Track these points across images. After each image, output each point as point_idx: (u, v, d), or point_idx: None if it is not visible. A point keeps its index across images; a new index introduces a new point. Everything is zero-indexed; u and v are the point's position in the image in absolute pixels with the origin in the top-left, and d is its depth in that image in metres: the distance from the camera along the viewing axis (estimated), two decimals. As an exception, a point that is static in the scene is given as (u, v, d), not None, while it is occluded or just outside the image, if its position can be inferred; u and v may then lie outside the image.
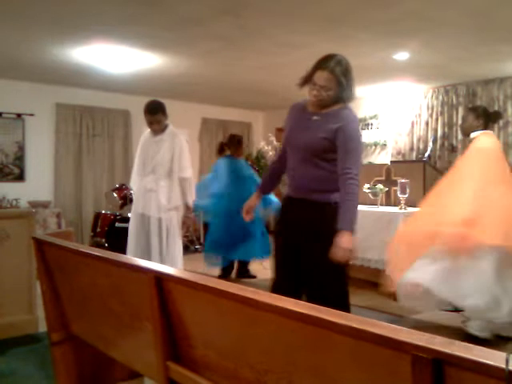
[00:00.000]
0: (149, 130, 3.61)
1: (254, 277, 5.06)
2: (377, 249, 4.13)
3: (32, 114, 6.44)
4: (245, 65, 5.45)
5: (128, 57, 5.10)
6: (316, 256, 2.29)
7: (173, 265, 3.49)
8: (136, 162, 3.70)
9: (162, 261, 3.39)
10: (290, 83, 7.02)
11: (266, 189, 2.67)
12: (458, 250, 2.85)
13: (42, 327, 2.88)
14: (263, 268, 5.42)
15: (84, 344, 1.98)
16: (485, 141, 3.18)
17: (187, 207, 3.56)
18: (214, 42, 4.57)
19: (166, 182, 3.46)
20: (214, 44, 4.64)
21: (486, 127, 3.27)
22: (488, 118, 3.30)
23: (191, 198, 3.59)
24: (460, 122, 6.38)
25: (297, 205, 2.39)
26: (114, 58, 5.14)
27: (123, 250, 3.50)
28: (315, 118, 2.32)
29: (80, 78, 6.05)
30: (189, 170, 3.56)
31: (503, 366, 0.65)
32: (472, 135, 3.27)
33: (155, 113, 3.43)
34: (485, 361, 0.68)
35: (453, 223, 2.87)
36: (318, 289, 2.35)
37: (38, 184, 6.49)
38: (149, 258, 3.36)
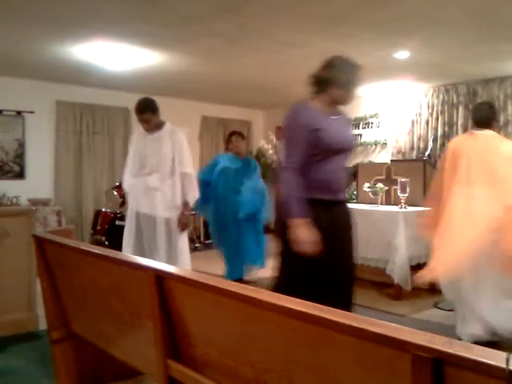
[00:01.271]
0: (140, 128, 3.55)
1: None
2: (377, 248, 4.13)
3: (32, 112, 6.44)
4: (244, 63, 5.45)
5: (128, 54, 5.09)
6: (352, 251, 2.46)
7: (183, 263, 3.45)
8: (130, 161, 3.57)
9: (170, 262, 3.33)
10: (291, 82, 7.04)
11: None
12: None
13: (43, 325, 2.87)
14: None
15: (84, 342, 1.98)
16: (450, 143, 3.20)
17: (185, 204, 3.42)
18: (214, 39, 4.56)
19: (171, 180, 3.40)
20: (213, 42, 4.64)
21: (481, 127, 3.13)
22: (478, 120, 3.16)
23: (192, 195, 3.47)
24: (460, 121, 6.40)
25: (340, 208, 2.43)
26: (113, 56, 5.13)
27: (123, 248, 3.48)
28: (334, 117, 2.40)
29: (80, 75, 6.04)
30: (190, 165, 3.46)
31: (503, 365, 0.65)
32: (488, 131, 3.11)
33: (143, 112, 3.37)
34: (485, 360, 0.68)
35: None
36: (352, 283, 2.48)
37: (38, 182, 6.48)
38: (154, 259, 3.30)
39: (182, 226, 3.43)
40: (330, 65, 2.35)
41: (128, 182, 3.56)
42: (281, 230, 2.34)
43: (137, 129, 3.64)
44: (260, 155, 8.04)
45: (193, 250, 6.70)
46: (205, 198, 4.43)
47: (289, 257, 2.29)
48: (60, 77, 6.20)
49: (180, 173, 3.39)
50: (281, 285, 2.39)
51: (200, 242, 7.06)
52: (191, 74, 5.99)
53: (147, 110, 3.38)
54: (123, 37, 4.48)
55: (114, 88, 6.87)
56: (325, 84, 2.35)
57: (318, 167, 2.30)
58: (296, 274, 2.30)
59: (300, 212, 2.23)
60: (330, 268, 2.33)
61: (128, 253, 3.42)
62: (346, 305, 2.37)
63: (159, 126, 3.45)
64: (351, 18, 3.95)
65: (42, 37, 4.49)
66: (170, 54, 5.14)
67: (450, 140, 3.31)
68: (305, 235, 2.18)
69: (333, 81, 2.32)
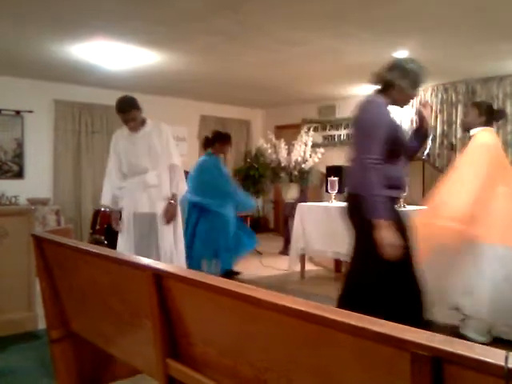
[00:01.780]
0: (119, 129, 3.50)
1: (238, 273, 4.96)
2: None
3: (31, 111, 6.43)
4: (244, 61, 5.44)
5: (127, 53, 5.09)
6: None
7: (180, 260, 3.45)
8: (113, 164, 3.48)
9: (173, 257, 3.34)
10: (291, 80, 7.00)
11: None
12: (452, 243, 2.88)
13: (42, 324, 2.88)
14: (262, 265, 5.43)
15: (83, 341, 1.98)
16: (485, 136, 3.12)
17: (173, 195, 3.40)
18: (213, 37, 4.55)
19: (166, 174, 3.40)
20: (212, 40, 4.63)
21: (487, 124, 3.19)
22: (491, 116, 3.22)
23: (181, 187, 3.45)
24: (459, 119, 6.40)
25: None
26: (112, 55, 5.13)
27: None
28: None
29: (79, 74, 6.04)
30: (177, 157, 3.44)
31: (502, 363, 0.65)
32: (472, 132, 3.21)
33: (128, 110, 3.28)
34: (484, 359, 0.68)
35: (450, 218, 2.89)
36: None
37: (36, 181, 6.48)
38: (157, 257, 3.27)
39: (170, 216, 3.37)
40: (395, 67, 2.34)
41: (119, 184, 3.49)
42: (360, 229, 2.22)
43: (118, 131, 3.53)
44: (259, 155, 8.04)
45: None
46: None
47: (371, 257, 2.16)
48: (59, 76, 6.20)
49: (169, 165, 3.38)
50: (357, 289, 2.29)
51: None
52: (190, 72, 5.99)
53: (132, 108, 3.30)
54: (122, 35, 4.48)
55: (113, 87, 6.86)
56: (387, 86, 2.33)
57: (390, 164, 2.22)
58: (377, 279, 2.17)
59: (385, 213, 2.11)
60: (409, 273, 2.24)
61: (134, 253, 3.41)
62: (418, 319, 2.22)
63: (142, 123, 3.40)
64: (351, 17, 3.95)
65: (40, 35, 4.49)
66: (168, 53, 5.14)
67: (480, 135, 3.13)
68: (391, 238, 2.08)
69: (395, 84, 2.31)
